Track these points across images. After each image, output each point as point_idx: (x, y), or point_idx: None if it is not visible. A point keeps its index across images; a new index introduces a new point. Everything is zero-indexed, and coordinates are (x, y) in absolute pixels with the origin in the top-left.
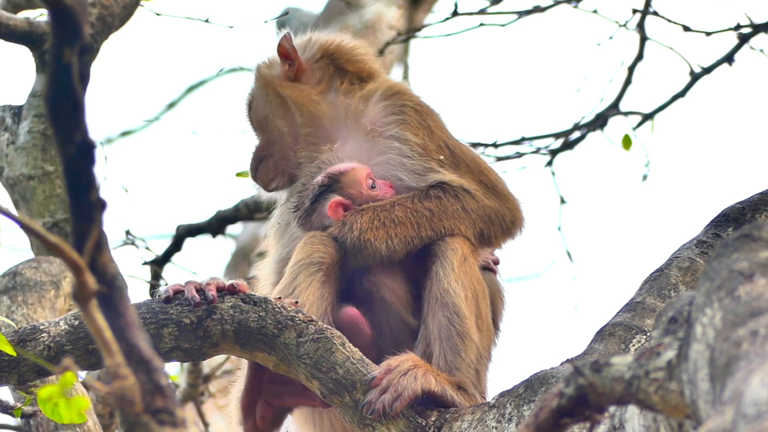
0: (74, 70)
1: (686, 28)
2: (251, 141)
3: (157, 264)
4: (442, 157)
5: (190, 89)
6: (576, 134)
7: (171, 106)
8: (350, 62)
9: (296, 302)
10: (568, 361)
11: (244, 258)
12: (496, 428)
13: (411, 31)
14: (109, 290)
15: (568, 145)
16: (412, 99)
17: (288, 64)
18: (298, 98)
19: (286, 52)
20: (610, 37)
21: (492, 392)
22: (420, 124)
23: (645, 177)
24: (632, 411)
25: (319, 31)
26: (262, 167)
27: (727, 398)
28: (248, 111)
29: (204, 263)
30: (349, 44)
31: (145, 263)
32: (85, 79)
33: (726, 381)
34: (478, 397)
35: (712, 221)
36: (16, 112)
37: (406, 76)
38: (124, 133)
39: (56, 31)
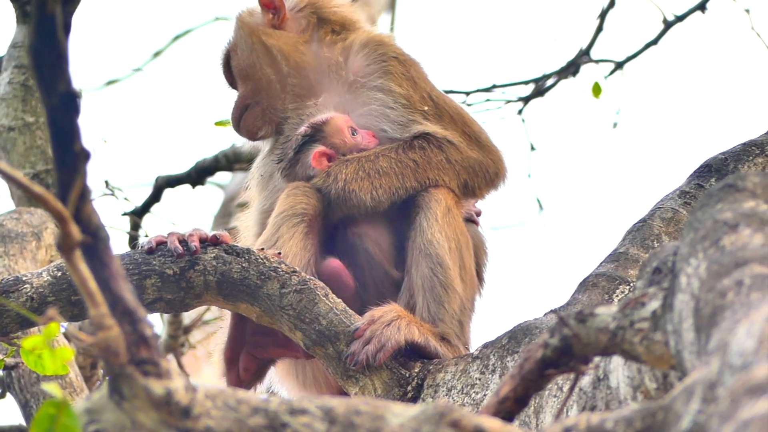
0: (58, 21)
1: None
2: (227, 91)
3: (137, 215)
4: (426, 108)
5: (176, 38)
6: (547, 82)
7: (156, 54)
8: (332, 12)
9: (279, 253)
10: (552, 311)
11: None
12: (479, 379)
13: None
14: (93, 241)
15: (539, 93)
16: (396, 50)
17: (271, 13)
18: (284, 47)
19: (269, 1)
20: None
21: (475, 343)
22: (404, 75)
23: (615, 124)
24: (617, 362)
25: None
26: (248, 115)
27: (713, 349)
28: (226, 60)
29: (184, 213)
30: None
31: (125, 214)
32: (68, 29)
33: (711, 331)
34: (461, 348)
35: (694, 171)
36: None
37: (392, 25)
38: (109, 83)
39: None
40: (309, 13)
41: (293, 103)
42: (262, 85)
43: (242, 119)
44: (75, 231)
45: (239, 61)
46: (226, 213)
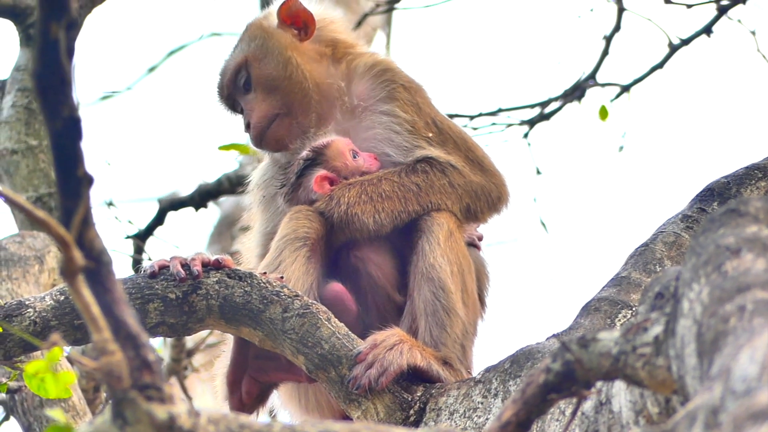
0: (61, 46)
1: (667, 0)
2: (223, 106)
3: (140, 238)
4: (430, 135)
5: (171, 53)
6: (553, 106)
7: (151, 70)
8: (339, 35)
9: (282, 277)
10: (554, 336)
11: (228, 227)
12: (482, 403)
13: (391, 1)
14: (96, 265)
15: (544, 117)
16: (402, 77)
17: (296, 29)
18: (308, 65)
19: (292, 16)
20: (591, 10)
21: (478, 367)
22: (409, 102)
23: (621, 148)
24: (619, 386)
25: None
26: (278, 126)
27: (715, 374)
28: (239, 70)
29: (187, 236)
30: (338, 17)
31: (128, 237)
32: (71, 54)
33: (714, 357)
34: (464, 372)
35: (697, 195)
36: (0, 86)
37: (388, 46)
38: (105, 97)
39: (43, 6)
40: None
41: (316, 123)
42: (295, 98)
43: (270, 129)
44: (78, 256)
45: (267, 71)
46: (221, 232)
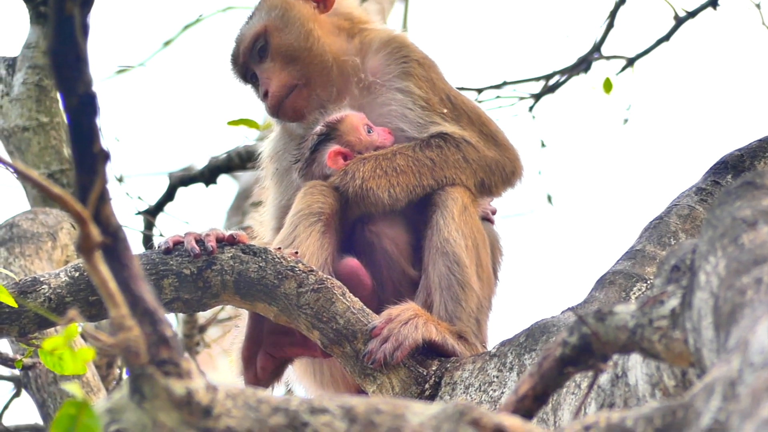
0: (76, 22)
1: None
2: (237, 75)
3: (150, 214)
4: (445, 111)
5: (186, 27)
6: (558, 79)
7: (167, 44)
8: (355, 9)
9: (296, 252)
10: (569, 309)
11: (246, 201)
12: (497, 377)
13: None
14: (113, 241)
15: (549, 90)
16: (416, 53)
17: (315, 2)
18: (327, 39)
19: None
20: None
21: (493, 341)
22: (424, 78)
23: (626, 121)
24: (635, 359)
25: None
26: (296, 96)
27: (733, 346)
28: (257, 38)
29: (197, 212)
30: None
31: (138, 213)
32: (86, 30)
33: (731, 329)
34: (478, 347)
35: (710, 168)
36: (11, 63)
37: (405, 19)
38: (120, 71)
39: None
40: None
41: (334, 97)
42: (315, 69)
43: (288, 99)
44: (95, 232)
45: (287, 41)
46: (239, 206)
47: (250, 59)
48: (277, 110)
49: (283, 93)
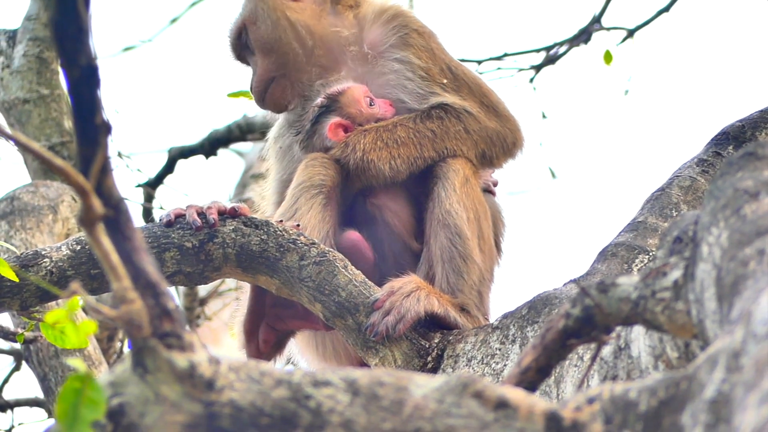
0: None
1: None
2: (234, 62)
3: (150, 186)
4: (445, 81)
5: (193, 4)
6: (559, 50)
7: (173, 21)
8: None
9: (298, 225)
10: (572, 281)
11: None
12: (499, 349)
13: None
14: (115, 214)
15: (550, 61)
16: (415, 21)
17: None
18: (308, 20)
19: None
20: None
21: (495, 314)
22: (423, 47)
23: (627, 92)
24: (638, 331)
25: None
26: (275, 88)
27: (736, 318)
28: (239, 34)
29: (197, 184)
30: None
31: (138, 185)
32: (88, 2)
33: (734, 300)
34: (481, 319)
35: (712, 139)
36: (11, 35)
37: None
38: (126, 49)
39: None
40: None
41: (319, 76)
42: (288, 59)
43: (268, 92)
44: (97, 204)
45: (260, 35)
46: (246, 183)
47: (242, 52)
48: (261, 103)
49: (261, 87)
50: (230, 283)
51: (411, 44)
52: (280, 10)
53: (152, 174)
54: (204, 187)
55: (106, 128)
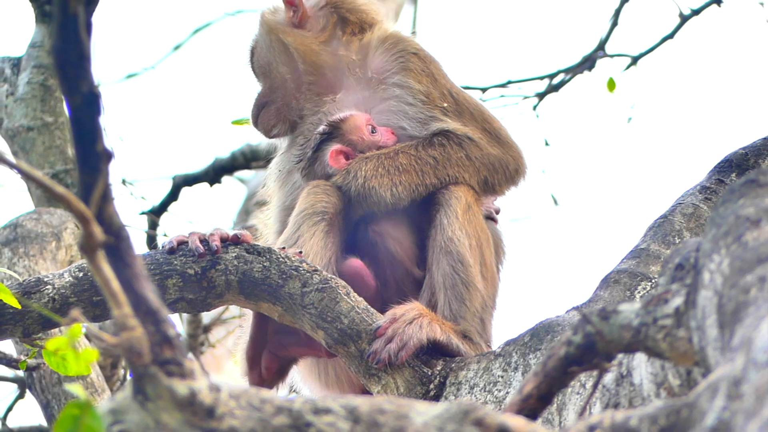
0: (80, 21)
1: None
2: (252, 87)
3: (155, 213)
4: (445, 105)
5: (196, 31)
6: (562, 78)
7: (176, 48)
8: (352, 12)
9: (300, 252)
10: (574, 309)
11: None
12: (502, 377)
13: None
14: (116, 241)
15: (554, 88)
16: (415, 46)
17: (292, 11)
18: (301, 46)
19: None
20: None
21: (497, 341)
22: (423, 72)
23: (630, 119)
24: (640, 358)
25: None
26: (264, 113)
27: (737, 345)
28: (251, 57)
29: (201, 212)
30: None
31: (143, 213)
32: (90, 29)
33: (735, 328)
34: (483, 346)
35: (715, 167)
36: (15, 63)
37: (414, 19)
38: (129, 76)
39: None
40: (329, 11)
41: (310, 101)
42: (277, 83)
43: (259, 116)
44: (98, 231)
45: (259, 59)
46: (248, 209)
47: (255, 75)
48: (256, 126)
49: (255, 110)
50: (234, 310)
51: (411, 68)
52: (274, 33)
53: (157, 201)
54: (208, 214)
55: (107, 156)
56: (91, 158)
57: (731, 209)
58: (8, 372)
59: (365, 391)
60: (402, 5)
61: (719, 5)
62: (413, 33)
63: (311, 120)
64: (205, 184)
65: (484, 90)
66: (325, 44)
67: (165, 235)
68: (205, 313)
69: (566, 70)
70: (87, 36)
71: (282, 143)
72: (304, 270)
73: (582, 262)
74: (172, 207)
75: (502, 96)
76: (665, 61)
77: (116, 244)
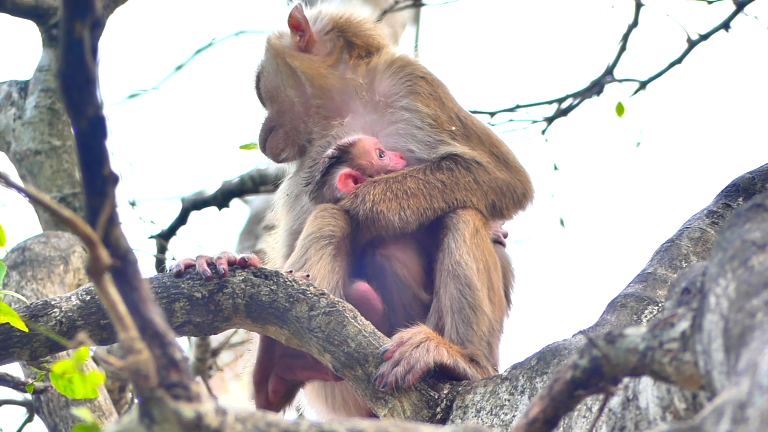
0: (86, 45)
1: None
2: (259, 111)
3: (163, 237)
4: (453, 128)
5: (198, 52)
6: (571, 102)
7: (179, 68)
8: (359, 36)
9: (307, 275)
10: (580, 332)
11: (258, 225)
12: (508, 400)
13: None
14: (122, 264)
15: (562, 113)
16: (422, 70)
17: (299, 36)
18: (308, 70)
19: (296, 23)
20: (612, 6)
21: (504, 364)
22: (431, 95)
23: (639, 144)
24: (646, 382)
25: (329, 3)
26: (272, 138)
27: (743, 369)
28: (257, 82)
29: (210, 235)
30: (358, 18)
31: (151, 237)
32: (95, 53)
33: (741, 351)
34: (490, 370)
35: (722, 191)
36: (23, 87)
37: (416, 42)
38: (131, 96)
39: (68, 5)
40: (335, 36)
41: (317, 125)
42: (285, 108)
43: (267, 141)
44: (104, 255)
45: (266, 83)
46: (251, 230)
47: (262, 100)
48: (264, 151)
49: (263, 136)
50: (242, 334)
51: (418, 92)
52: (281, 57)
53: (165, 225)
54: (217, 238)
55: (114, 179)
56: (98, 182)
57: (737, 233)
58: (17, 395)
59: (372, 415)
60: (404, 26)
61: (727, 30)
62: (416, 54)
63: (319, 143)
64: (214, 208)
65: (492, 114)
66: (333, 68)
67: (173, 258)
68: (213, 336)
69: (575, 95)
70: (93, 60)
71: (291, 167)
72: (311, 293)
73: (589, 286)
74: (181, 231)
75: (511, 120)
76: (673, 86)
77: (123, 268)
